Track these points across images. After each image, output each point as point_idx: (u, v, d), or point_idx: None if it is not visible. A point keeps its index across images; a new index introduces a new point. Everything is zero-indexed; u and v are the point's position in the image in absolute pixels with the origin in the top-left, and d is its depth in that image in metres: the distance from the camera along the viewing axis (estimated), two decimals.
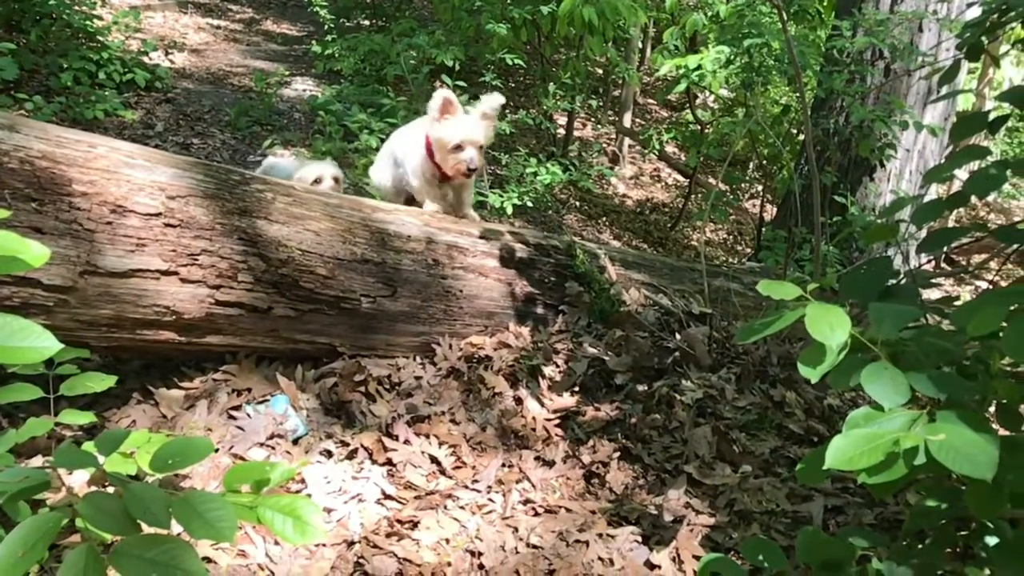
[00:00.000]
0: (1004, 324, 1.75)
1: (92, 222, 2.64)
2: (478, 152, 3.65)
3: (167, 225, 2.81)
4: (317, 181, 4.15)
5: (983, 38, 2.59)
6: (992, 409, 2.05)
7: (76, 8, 7.60)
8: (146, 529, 1.38)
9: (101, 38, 7.71)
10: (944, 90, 6.47)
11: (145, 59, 8.24)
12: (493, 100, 3.66)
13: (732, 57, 6.53)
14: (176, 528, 1.39)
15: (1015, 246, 2.24)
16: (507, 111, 8.81)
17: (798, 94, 4.34)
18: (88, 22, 7.64)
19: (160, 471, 1.56)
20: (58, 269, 2.57)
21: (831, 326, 1.79)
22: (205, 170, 3.05)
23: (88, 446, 1.79)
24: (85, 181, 2.66)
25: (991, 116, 2.32)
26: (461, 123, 3.59)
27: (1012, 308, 1.78)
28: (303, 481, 2.78)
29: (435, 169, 3.78)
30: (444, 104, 3.55)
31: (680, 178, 11.12)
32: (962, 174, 6.20)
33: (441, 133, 3.59)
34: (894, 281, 2.31)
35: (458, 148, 3.59)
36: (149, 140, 6.98)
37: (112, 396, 2.96)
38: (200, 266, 2.88)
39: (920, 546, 2.33)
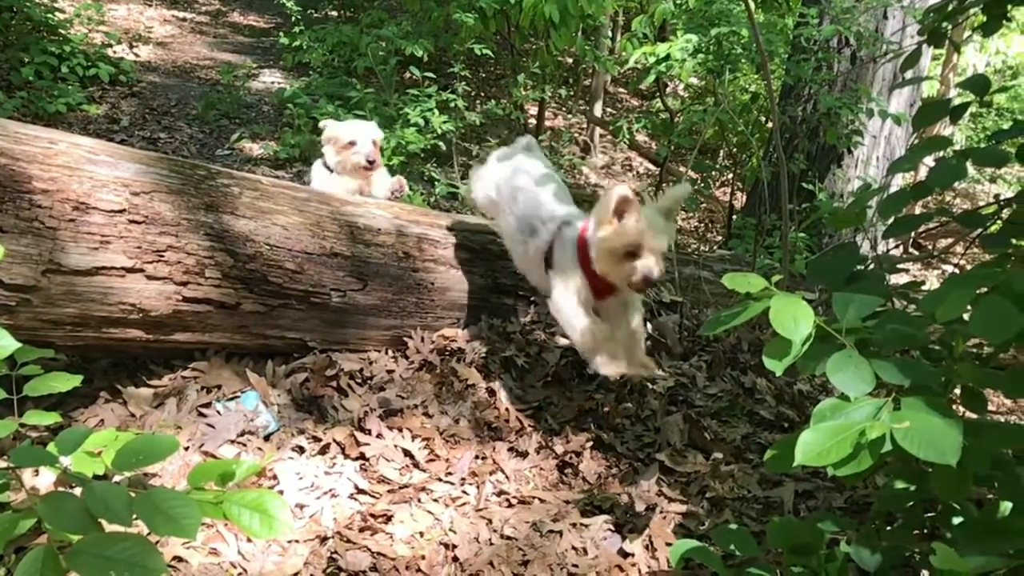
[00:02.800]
0: (970, 307, 1.78)
1: (54, 220, 2.60)
2: (659, 260, 2.78)
3: (132, 222, 2.77)
4: (351, 144, 3.87)
5: (946, 24, 2.62)
6: (958, 391, 2.08)
7: (36, 1, 7.46)
8: (109, 528, 1.37)
9: (63, 31, 7.59)
10: (909, 75, 6.55)
11: (109, 52, 8.12)
12: (679, 193, 2.89)
13: (700, 46, 6.55)
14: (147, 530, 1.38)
15: (978, 230, 2.28)
16: (478, 101, 8.78)
17: (766, 82, 4.36)
18: (49, 15, 7.52)
19: (124, 469, 1.55)
20: (20, 268, 2.52)
21: (795, 319, 1.80)
22: (170, 165, 3.01)
23: (52, 446, 1.76)
24: (46, 178, 2.61)
25: (952, 104, 2.36)
26: (639, 224, 2.72)
27: (979, 292, 1.81)
28: (275, 477, 2.76)
29: (590, 279, 2.93)
30: (620, 204, 2.70)
31: (651, 167, 11.14)
32: (929, 160, 6.28)
33: (611, 236, 2.73)
34: (861, 267, 2.33)
35: (632, 255, 2.73)
36: (115, 135, 6.88)
37: (79, 396, 2.91)
38: (166, 262, 2.84)
39: (888, 528, 2.37)
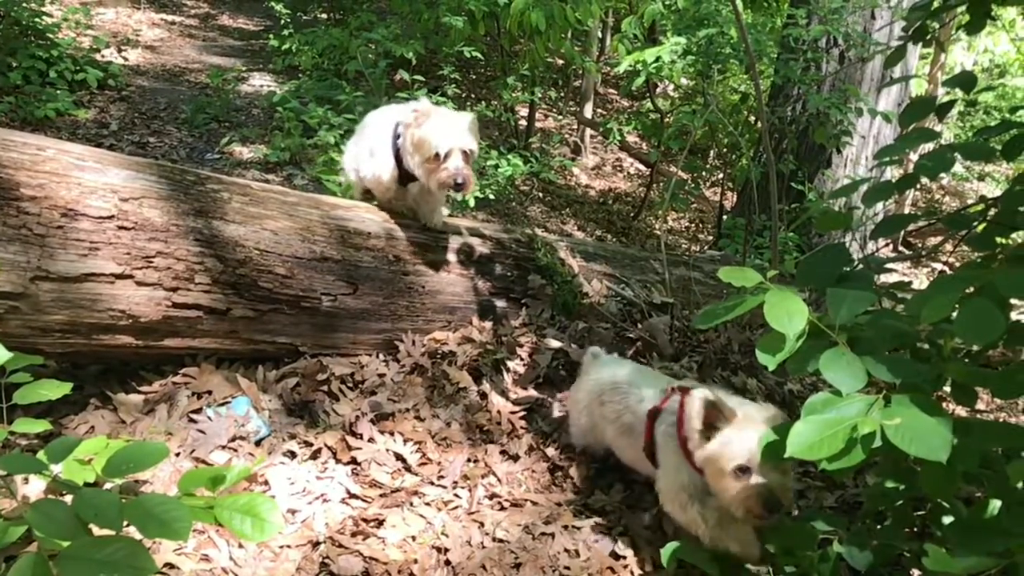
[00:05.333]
0: (957, 307, 1.80)
1: (42, 227, 2.59)
2: (783, 477, 2.27)
3: (121, 228, 2.76)
4: (440, 159, 3.20)
5: (932, 23, 2.64)
6: (947, 388, 2.10)
7: (24, 5, 7.43)
8: (98, 533, 1.37)
9: (51, 35, 7.55)
10: (898, 72, 6.57)
11: (97, 56, 8.09)
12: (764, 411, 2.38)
13: (689, 47, 6.57)
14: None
15: (969, 231, 2.29)
16: (468, 104, 8.79)
17: (754, 83, 4.38)
18: (37, 19, 7.48)
19: (114, 476, 1.55)
20: (8, 275, 2.52)
21: (789, 314, 1.81)
22: (159, 171, 3.01)
23: (41, 454, 1.76)
24: (34, 185, 2.61)
25: (938, 101, 2.38)
26: (738, 436, 2.27)
27: (963, 293, 1.83)
28: (266, 483, 2.76)
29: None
30: (708, 414, 2.32)
31: (642, 167, 11.16)
32: (916, 157, 6.33)
33: (712, 456, 2.30)
34: (850, 267, 2.35)
35: (744, 471, 2.24)
36: (104, 139, 6.85)
37: (69, 403, 2.89)
38: (156, 268, 2.83)
39: (879, 527, 2.38)
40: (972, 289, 1.84)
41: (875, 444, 1.66)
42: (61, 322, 2.69)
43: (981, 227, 2.27)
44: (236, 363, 3.28)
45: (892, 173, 7.19)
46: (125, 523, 1.40)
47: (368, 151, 3.51)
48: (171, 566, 2.35)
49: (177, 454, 2.82)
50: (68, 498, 1.44)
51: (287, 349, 3.29)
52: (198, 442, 2.88)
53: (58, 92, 7.11)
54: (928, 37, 2.70)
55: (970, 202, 2.58)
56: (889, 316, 2.06)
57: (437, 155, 3.19)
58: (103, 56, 8.37)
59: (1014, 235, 2.28)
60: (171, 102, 8.14)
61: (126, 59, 9.09)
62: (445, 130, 3.22)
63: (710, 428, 2.30)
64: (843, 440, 1.67)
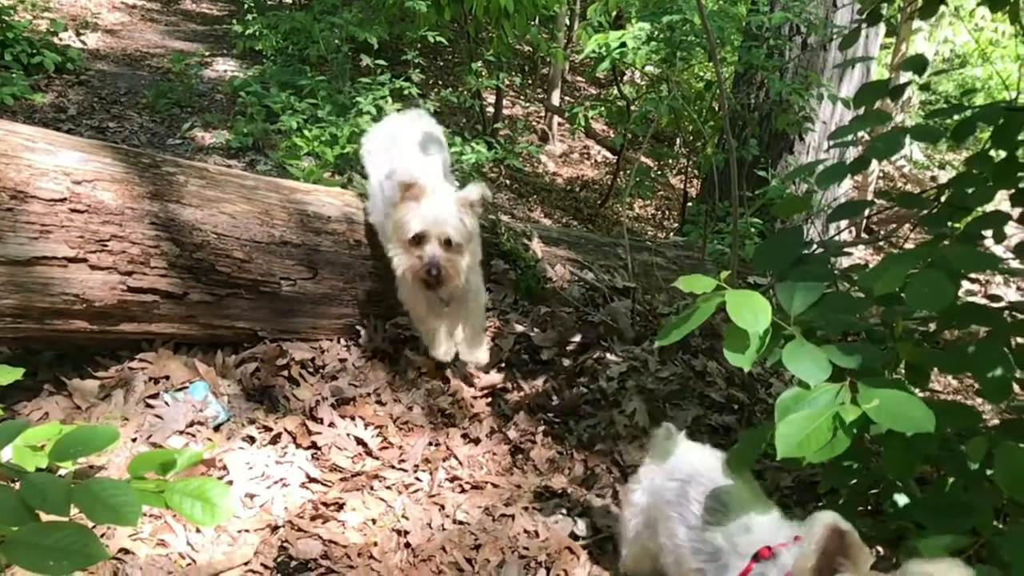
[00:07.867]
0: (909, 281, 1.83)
1: None
2: None
3: (73, 211, 2.71)
4: (415, 241, 2.88)
5: (891, 8, 2.67)
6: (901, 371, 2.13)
7: None
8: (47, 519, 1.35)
9: (6, 18, 7.37)
10: (858, 55, 6.62)
11: (55, 40, 7.91)
12: None
13: (653, 34, 6.58)
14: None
15: (923, 213, 2.34)
16: (435, 90, 8.74)
17: (716, 69, 4.40)
18: None
19: (62, 460, 1.52)
20: None
21: (754, 313, 1.81)
22: (113, 154, 2.95)
23: None
24: None
25: (892, 84, 2.42)
26: None
27: (914, 269, 1.86)
28: (225, 467, 2.73)
29: None
30: (831, 548, 1.55)
31: (609, 155, 11.19)
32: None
33: None
34: (807, 251, 2.38)
35: None
36: (61, 124, 6.71)
37: (23, 388, 2.85)
38: (110, 252, 2.79)
39: (833, 508, 2.42)
40: (919, 266, 1.88)
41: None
42: (12, 306, 2.64)
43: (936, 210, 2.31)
44: (194, 348, 3.25)
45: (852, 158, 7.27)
46: (75, 509, 1.38)
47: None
48: (126, 551, 2.32)
49: (134, 439, 2.78)
50: (18, 484, 1.42)
51: (246, 334, 3.25)
52: (155, 427, 2.85)
53: (14, 76, 6.95)
54: (885, 23, 2.74)
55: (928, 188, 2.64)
56: (839, 301, 2.08)
57: (412, 238, 2.87)
58: (61, 40, 8.18)
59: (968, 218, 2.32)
60: (132, 87, 8.00)
61: (85, 43, 8.91)
62: (424, 211, 2.86)
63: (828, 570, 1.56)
64: (828, 431, 1.69)
